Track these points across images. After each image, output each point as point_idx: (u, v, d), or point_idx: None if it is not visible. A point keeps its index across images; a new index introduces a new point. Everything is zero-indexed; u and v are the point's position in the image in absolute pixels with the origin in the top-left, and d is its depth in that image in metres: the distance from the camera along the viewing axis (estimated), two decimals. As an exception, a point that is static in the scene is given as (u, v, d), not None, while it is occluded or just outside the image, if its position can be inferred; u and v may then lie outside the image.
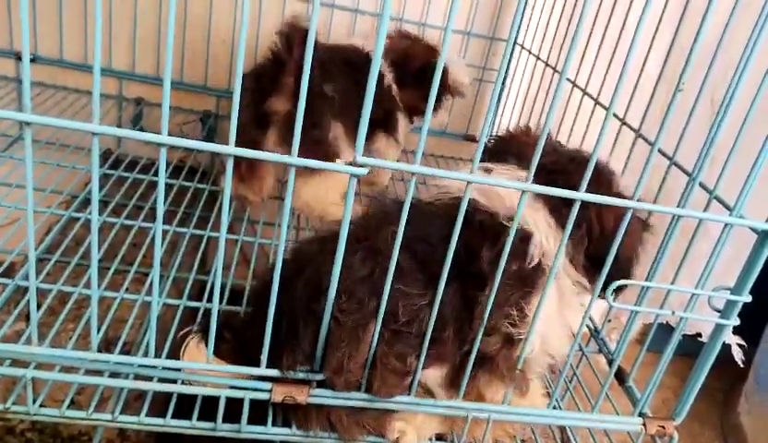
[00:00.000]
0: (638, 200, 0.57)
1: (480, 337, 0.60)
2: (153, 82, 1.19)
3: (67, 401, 0.60)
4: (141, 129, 1.19)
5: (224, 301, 0.80)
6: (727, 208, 0.63)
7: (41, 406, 0.59)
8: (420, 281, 0.60)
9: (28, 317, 0.78)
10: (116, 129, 0.48)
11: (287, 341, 0.60)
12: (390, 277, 0.56)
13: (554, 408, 0.69)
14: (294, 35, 0.86)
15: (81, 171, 1.03)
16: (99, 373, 0.60)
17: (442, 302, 0.58)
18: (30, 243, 0.52)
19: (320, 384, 0.61)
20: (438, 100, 1.05)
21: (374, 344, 0.59)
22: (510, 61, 1.23)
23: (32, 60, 1.09)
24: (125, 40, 1.15)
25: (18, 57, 1.12)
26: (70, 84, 1.19)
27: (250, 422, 0.61)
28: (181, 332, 0.66)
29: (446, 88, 1.06)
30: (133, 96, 1.21)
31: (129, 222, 0.93)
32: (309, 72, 0.47)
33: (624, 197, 0.60)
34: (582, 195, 0.55)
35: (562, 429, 0.75)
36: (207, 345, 0.60)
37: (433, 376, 0.63)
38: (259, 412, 0.63)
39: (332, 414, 0.63)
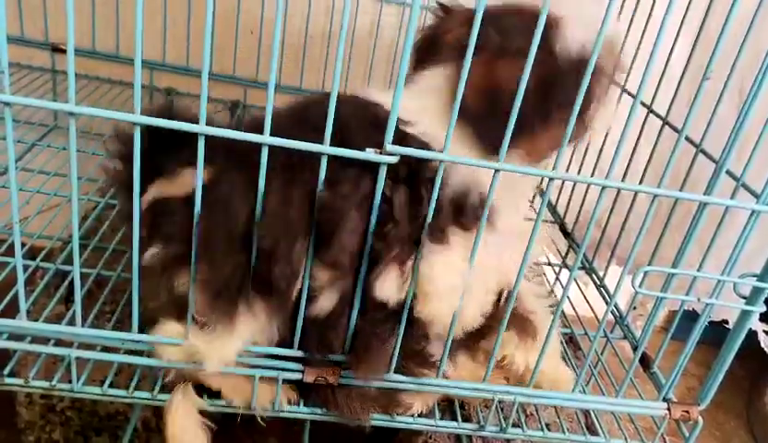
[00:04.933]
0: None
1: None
2: (183, 72, 1.21)
3: (109, 380, 0.63)
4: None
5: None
6: (754, 195, 0.63)
7: (83, 385, 0.62)
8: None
9: (66, 301, 0.81)
10: (158, 120, 0.50)
11: None
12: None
13: (579, 392, 0.69)
14: None
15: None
16: (138, 353, 0.62)
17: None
18: (75, 228, 0.54)
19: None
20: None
21: (401, 332, 0.60)
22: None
23: (65, 51, 1.12)
24: (155, 30, 1.18)
25: (53, 49, 1.15)
26: (102, 74, 1.22)
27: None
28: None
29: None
30: (163, 86, 1.23)
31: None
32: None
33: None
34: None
35: (586, 413, 0.76)
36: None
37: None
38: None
39: (341, 399, 0.64)
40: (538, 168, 0.62)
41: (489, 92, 0.58)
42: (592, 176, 0.93)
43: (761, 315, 0.64)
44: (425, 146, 0.57)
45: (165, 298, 0.59)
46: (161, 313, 0.61)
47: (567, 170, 1.02)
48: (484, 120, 0.58)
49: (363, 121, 0.58)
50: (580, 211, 0.99)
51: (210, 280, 0.56)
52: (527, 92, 0.51)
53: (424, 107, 0.60)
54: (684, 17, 0.81)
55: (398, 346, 0.61)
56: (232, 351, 0.58)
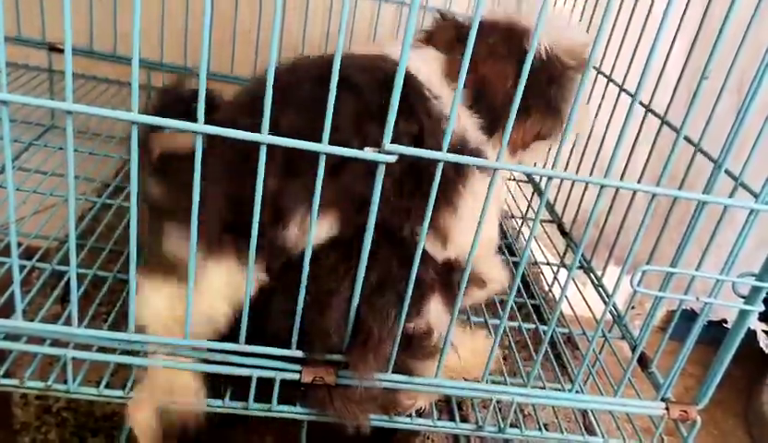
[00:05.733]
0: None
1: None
2: (180, 72, 1.21)
3: (105, 380, 0.63)
4: (169, 118, 1.21)
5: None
6: (753, 194, 0.63)
7: (78, 385, 0.62)
8: None
9: (62, 301, 0.81)
10: (156, 118, 0.49)
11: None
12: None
13: (576, 392, 0.69)
14: None
15: (113, 159, 1.06)
16: (134, 353, 0.62)
17: None
18: (71, 228, 0.54)
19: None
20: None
21: (402, 322, 0.60)
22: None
23: (62, 51, 1.11)
24: (152, 29, 1.17)
25: (50, 48, 1.14)
26: (99, 74, 1.21)
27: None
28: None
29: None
30: (160, 85, 1.22)
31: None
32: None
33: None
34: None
35: (584, 413, 0.76)
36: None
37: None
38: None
39: (338, 401, 0.63)
40: (516, 160, 0.73)
41: (476, 86, 0.69)
42: (590, 175, 0.93)
43: (759, 314, 0.64)
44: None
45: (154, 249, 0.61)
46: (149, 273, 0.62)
47: (565, 168, 1.02)
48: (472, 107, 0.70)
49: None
50: (578, 210, 0.99)
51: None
52: (509, 87, 0.66)
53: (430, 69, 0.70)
54: (683, 15, 0.81)
55: (399, 333, 0.61)
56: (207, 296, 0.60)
